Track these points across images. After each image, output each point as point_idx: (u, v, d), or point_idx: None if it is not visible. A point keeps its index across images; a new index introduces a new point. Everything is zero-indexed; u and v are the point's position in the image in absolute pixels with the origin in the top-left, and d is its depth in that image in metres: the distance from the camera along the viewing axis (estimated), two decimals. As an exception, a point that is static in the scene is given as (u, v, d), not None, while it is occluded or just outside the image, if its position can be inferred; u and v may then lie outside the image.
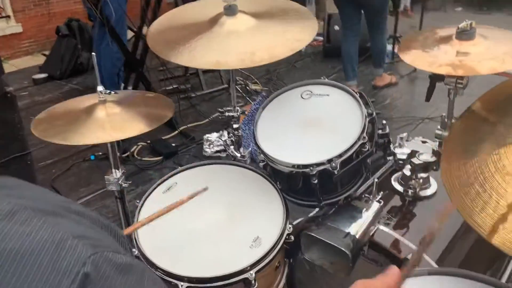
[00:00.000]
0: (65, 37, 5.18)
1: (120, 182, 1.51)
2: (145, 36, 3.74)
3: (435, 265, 1.36)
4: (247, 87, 4.26)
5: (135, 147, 3.40)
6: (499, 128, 1.12)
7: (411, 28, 5.60)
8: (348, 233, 1.25)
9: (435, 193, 1.59)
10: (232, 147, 1.63)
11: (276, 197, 1.39)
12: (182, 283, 1.16)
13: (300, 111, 1.46)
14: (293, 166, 1.34)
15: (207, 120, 3.89)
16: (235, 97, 1.69)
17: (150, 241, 1.27)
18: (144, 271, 0.52)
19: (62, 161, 3.33)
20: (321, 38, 5.47)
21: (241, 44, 1.44)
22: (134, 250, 1.25)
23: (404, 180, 1.62)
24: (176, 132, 3.63)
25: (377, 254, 1.37)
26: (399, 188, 1.62)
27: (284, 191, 1.44)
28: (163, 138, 3.52)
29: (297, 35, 1.43)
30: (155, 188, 1.44)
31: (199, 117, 3.93)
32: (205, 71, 4.51)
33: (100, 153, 3.22)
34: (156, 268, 1.21)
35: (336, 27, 5.12)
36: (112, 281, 0.45)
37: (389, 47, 4.74)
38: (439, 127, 1.44)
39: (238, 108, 1.69)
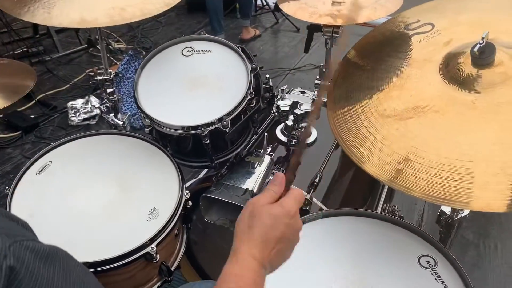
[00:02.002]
0: None
1: (-21, 167, 1.28)
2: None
3: (323, 207, 1.45)
4: (110, 46, 3.93)
5: (-16, 124, 2.94)
6: (373, 74, 1.20)
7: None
8: (246, 189, 1.25)
9: (315, 140, 1.69)
10: (112, 114, 1.48)
11: (168, 164, 1.31)
12: (76, 270, 1.05)
13: (183, 69, 1.38)
14: (183, 128, 1.27)
15: (68, 85, 3.52)
16: (106, 58, 1.53)
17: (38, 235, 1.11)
18: (66, 256, 0.49)
19: None
20: (183, -8, 5.26)
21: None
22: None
23: (287, 131, 1.68)
24: (33, 101, 3.22)
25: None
26: (283, 138, 1.68)
27: (174, 155, 1.37)
28: (18, 110, 3.09)
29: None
30: (26, 170, 1.25)
31: (58, 83, 3.54)
32: (59, 31, 4.02)
33: None
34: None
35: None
36: (39, 273, 0.41)
37: (252, 0, 4.77)
38: (318, 76, 1.49)
39: (110, 70, 1.54)
